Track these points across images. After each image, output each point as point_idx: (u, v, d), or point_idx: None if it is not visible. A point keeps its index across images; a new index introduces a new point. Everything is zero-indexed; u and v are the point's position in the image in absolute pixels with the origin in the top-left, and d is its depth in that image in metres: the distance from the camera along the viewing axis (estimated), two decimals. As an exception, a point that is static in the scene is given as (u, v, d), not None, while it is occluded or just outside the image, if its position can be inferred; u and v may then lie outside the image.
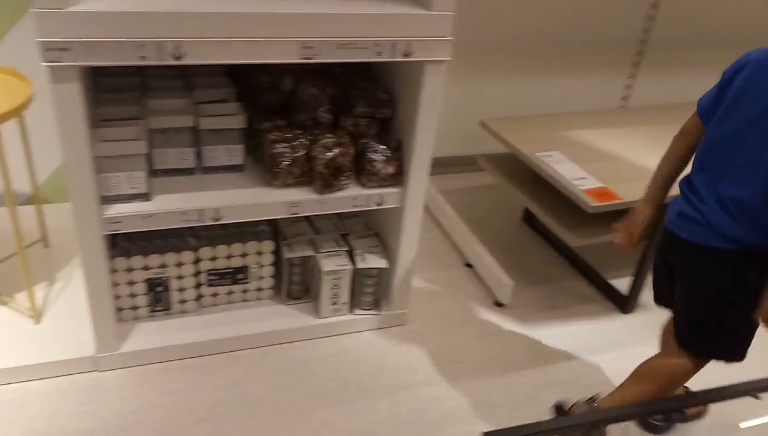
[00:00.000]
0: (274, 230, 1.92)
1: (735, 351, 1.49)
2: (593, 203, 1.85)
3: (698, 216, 1.43)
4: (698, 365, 1.54)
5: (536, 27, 2.73)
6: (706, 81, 3.14)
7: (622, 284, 2.25)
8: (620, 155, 2.19)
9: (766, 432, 1.78)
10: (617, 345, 2.07)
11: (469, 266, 2.35)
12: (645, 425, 1.76)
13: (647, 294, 2.26)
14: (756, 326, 1.44)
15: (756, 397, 1.09)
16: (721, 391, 1.08)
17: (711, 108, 1.45)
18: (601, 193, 1.90)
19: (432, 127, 1.69)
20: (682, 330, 1.53)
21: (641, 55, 2.94)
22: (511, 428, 1.00)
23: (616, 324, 2.16)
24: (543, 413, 1.74)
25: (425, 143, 1.71)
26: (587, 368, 1.96)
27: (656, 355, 1.63)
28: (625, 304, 2.20)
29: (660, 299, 1.66)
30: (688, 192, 1.48)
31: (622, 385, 1.60)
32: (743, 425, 1.77)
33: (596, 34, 2.82)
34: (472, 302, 2.18)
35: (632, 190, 1.96)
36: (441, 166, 2.89)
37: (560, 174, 1.98)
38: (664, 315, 2.16)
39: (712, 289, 1.46)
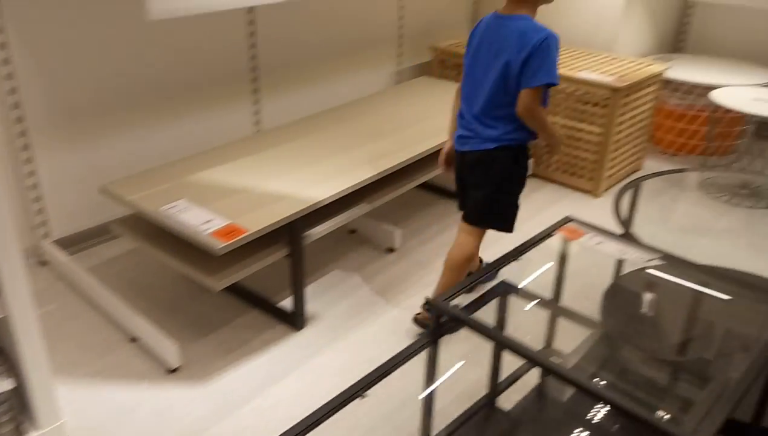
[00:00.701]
0: None
1: (510, 225, 2.12)
2: (220, 245, 1.84)
3: (470, 133, 2.03)
4: (481, 238, 2.15)
5: (142, 76, 2.63)
6: (330, 88, 3.40)
7: (289, 302, 2.30)
8: (251, 184, 2.23)
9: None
10: (298, 363, 2.11)
11: (134, 340, 2.18)
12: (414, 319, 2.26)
13: (312, 305, 2.37)
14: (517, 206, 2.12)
15: (363, 396, 1.16)
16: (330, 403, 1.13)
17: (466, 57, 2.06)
18: (228, 231, 1.90)
19: (5, 215, 1.48)
20: (473, 214, 2.12)
21: (258, 81, 3.05)
22: None
23: (293, 343, 2.21)
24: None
25: (5, 234, 1.50)
26: (274, 399, 1.96)
27: (451, 249, 2.16)
28: (295, 321, 2.25)
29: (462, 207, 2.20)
30: (461, 120, 2.08)
31: (440, 280, 2.19)
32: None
33: (208, 67, 2.84)
34: (144, 379, 2.02)
35: (260, 219, 2.00)
36: (83, 241, 2.65)
37: (184, 224, 1.93)
38: (335, 321, 2.28)
39: (489, 182, 2.05)
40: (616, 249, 1.54)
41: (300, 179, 2.28)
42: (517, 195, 2.09)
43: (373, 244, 2.81)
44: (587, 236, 1.59)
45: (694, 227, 2.87)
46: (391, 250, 2.76)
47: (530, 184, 3.31)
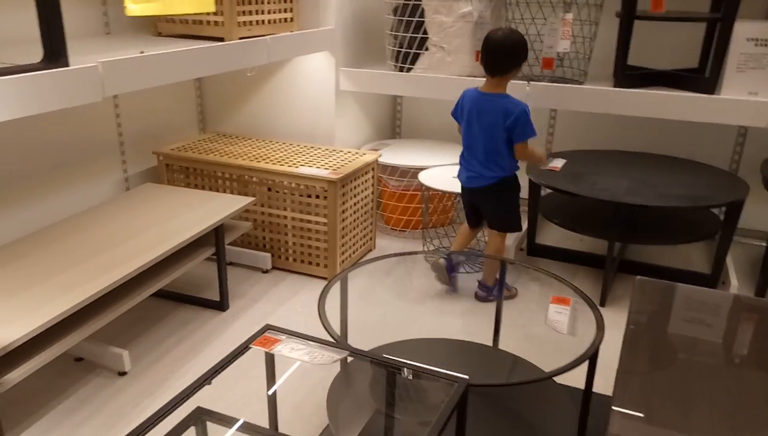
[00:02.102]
0: None
1: (519, 226, 3.05)
2: None
3: (476, 174, 2.93)
4: (505, 238, 3.08)
5: None
6: (50, 204, 3.14)
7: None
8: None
9: None
10: None
11: None
12: (475, 296, 3.13)
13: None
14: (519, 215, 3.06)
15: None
16: None
17: (456, 116, 2.99)
18: None
19: None
20: (495, 225, 3.04)
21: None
22: None
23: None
24: None
25: None
26: None
27: (487, 248, 3.14)
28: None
29: (471, 224, 3.14)
30: (465, 163, 2.98)
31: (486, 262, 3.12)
32: None
33: None
34: None
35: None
36: None
37: None
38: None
39: (498, 203, 2.98)
40: (306, 354, 1.62)
41: (-6, 318, 2.06)
42: (517, 208, 3.01)
43: (103, 369, 2.61)
44: (282, 344, 1.65)
45: (419, 300, 3.15)
46: (122, 373, 2.59)
47: (271, 277, 3.40)
